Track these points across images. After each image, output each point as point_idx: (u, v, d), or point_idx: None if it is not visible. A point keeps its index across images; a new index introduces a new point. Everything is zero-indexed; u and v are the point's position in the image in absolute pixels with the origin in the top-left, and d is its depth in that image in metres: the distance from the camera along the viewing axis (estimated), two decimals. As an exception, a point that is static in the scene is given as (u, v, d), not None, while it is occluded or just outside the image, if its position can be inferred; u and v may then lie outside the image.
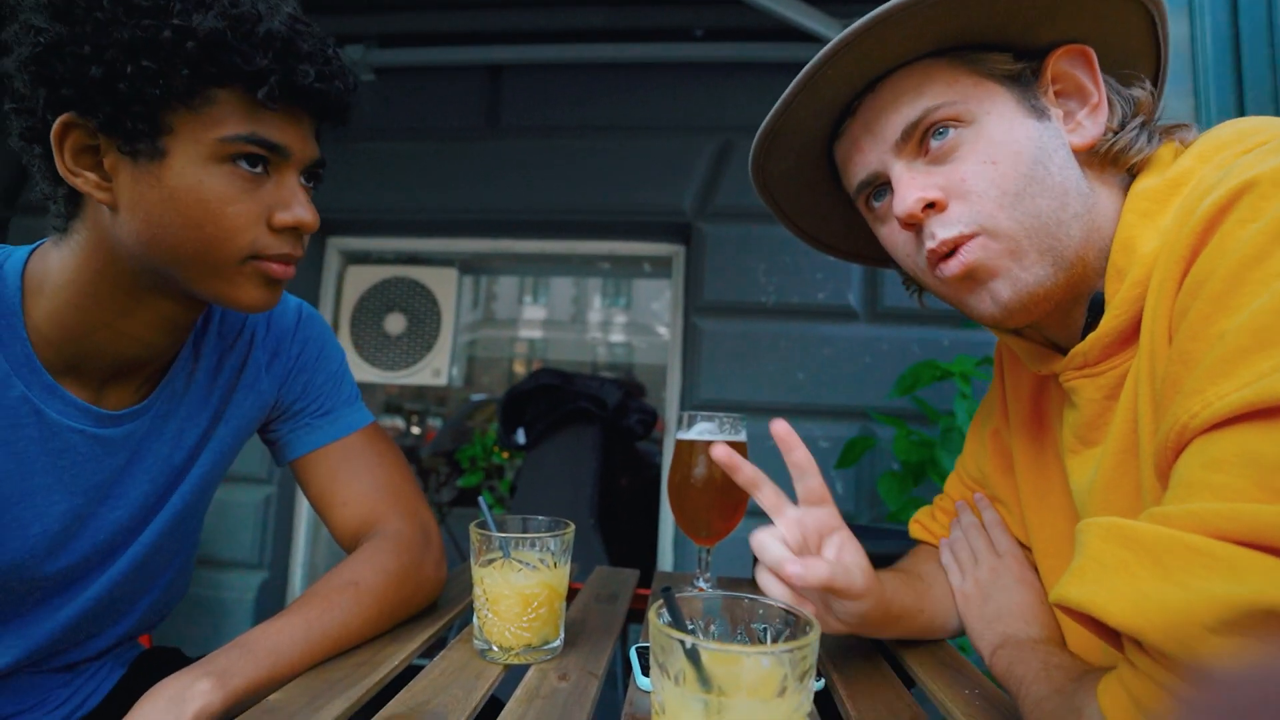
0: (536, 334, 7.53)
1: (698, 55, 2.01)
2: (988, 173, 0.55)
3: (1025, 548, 0.75)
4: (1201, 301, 0.43)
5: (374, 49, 2.11)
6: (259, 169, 0.58)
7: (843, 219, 0.74)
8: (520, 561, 0.65)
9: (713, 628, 0.50)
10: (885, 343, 1.90)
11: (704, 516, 0.87)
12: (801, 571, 0.56)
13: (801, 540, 0.62)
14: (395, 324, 2.13)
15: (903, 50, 0.57)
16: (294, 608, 0.62)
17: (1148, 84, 0.59)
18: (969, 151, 0.56)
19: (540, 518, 0.72)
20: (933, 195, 0.56)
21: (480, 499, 0.73)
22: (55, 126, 0.55)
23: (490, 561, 0.65)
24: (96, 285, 0.60)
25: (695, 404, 1.92)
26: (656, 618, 0.43)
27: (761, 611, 0.48)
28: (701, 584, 0.90)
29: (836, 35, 0.57)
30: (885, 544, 0.97)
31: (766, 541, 0.61)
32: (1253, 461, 0.38)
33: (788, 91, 0.59)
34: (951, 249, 0.56)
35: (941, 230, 0.56)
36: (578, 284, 6.58)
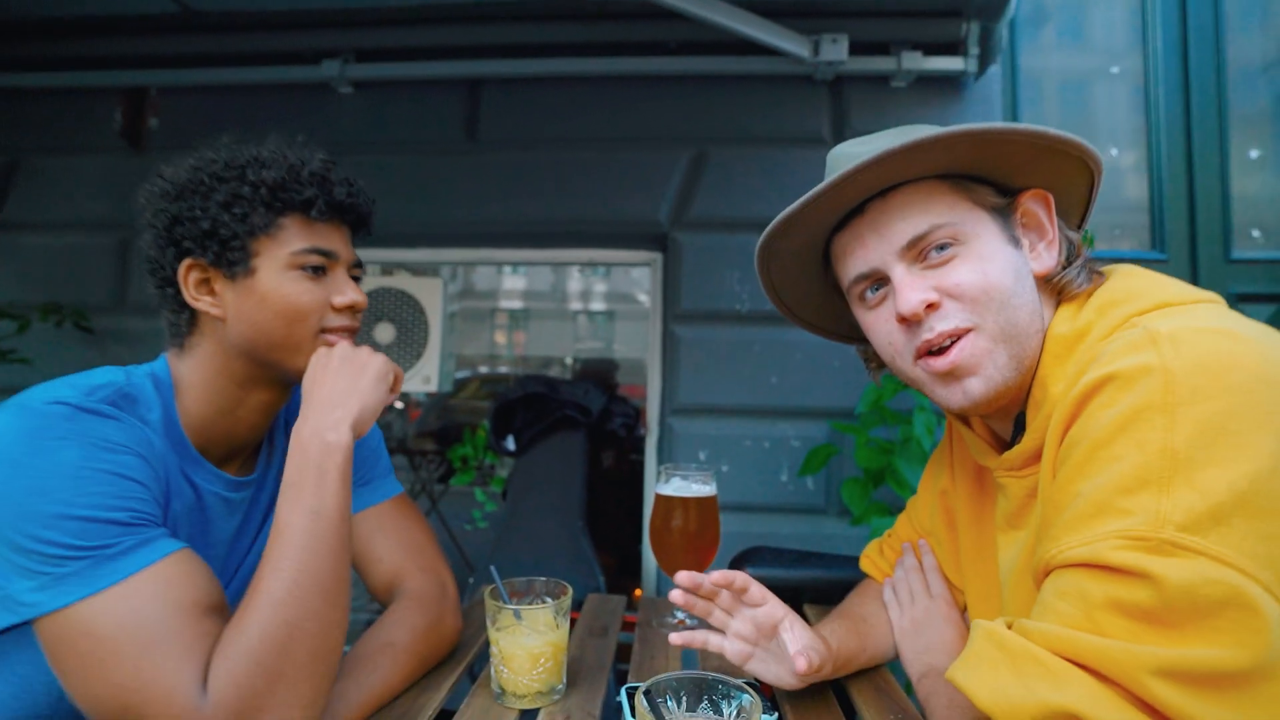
0: (516, 304, 7.59)
1: (672, 69, 2.08)
2: (980, 281, 0.67)
3: (959, 590, 0.91)
4: (1069, 465, 0.58)
5: (352, 64, 2.14)
6: (319, 271, 0.81)
7: (820, 299, 0.86)
8: (529, 627, 0.79)
9: (684, 698, 0.64)
10: (853, 347, 2.04)
11: (680, 560, 1.01)
12: (805, 669, 0.75)
13: (755, 633, 0.79)
14: (384, 333, 2.23)
15: (917, 170, 0.69)
16: (344, 672, 0.76)
17: (1076, 233, 0.74)
18: (963, 263, 0.68)
19: (541, 579, 0.87)
20: (932, 298, 0.67)
21: (492, 568, 0.87)
22: (181, 270, 0.78)
23: (502, 628, 0.79)
24: (219, 382, 0.81)
25: (675, 407, 2.07)
26: (643, 707, 0.57)
27: (720, 686, 0.63)
28: (680, 614, 1.06)
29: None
30: (841, 570, 1.14)
31: (733, 648, 0.79)
32: (1083, 598, 0.53)
33: (822, 186, 0.68)
34: (947, 342, 0.68)
35: (940, 324, 0.68)
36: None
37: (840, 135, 2.10)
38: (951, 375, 0.69)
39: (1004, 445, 0.77)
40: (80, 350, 2.21)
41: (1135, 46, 2.44)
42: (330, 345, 0.82)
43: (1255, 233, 2.34)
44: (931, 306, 0.68)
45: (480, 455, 2.58)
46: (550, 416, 2.11)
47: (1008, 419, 0.76)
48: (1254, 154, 2.38)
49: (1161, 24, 2.40)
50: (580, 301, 6.92)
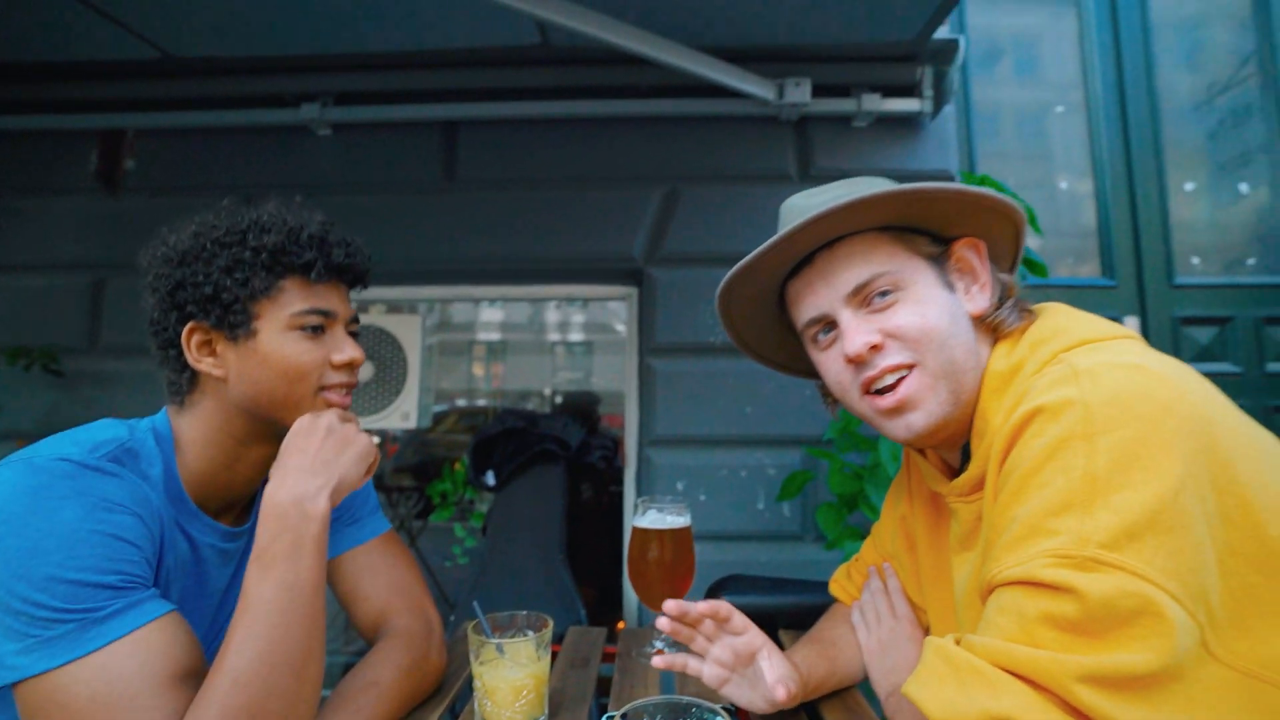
0: (495, 336, 7.60)
1: (643, 110, 2.16)
2: (920, 323, 0.74)
3: (922, 609, 0.95)
4: (1006, 492, 0.64)
5: (330, 106, 2.19)
6: (318, 330, 0.83)
7: (778, 337, 0.93)
8: (511, 660, 0.82)
9: (660, 719, 0.68)
10: (823, 376, 2.11)
11: (657, 590, 1.05)
12: (784, 699, 0.81)
13: (734, 659, 0.82)
14: (363, 371, 2.25)
15: (859, 224, 0.76)
16: (325, 712, 0.78)
17: (1009, 275, 0.80)
18: (903, 308, 0.75)
19: (523, 613, 0.89)
20: (875, 340, 0.74)
21: (475, 603, 0.89)
22: (184, 333, 0.81)
23: (485, 662, 0.82)
24: (219, 438, 0.83)
25: (652, 439, 2.11)
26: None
27: (695, 710, 0.66)
28: (659, 644, 1.09)
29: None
30: (815, 595, 1.17)
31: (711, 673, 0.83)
32: (1019, 613, 0.57)
33: (773, 240, 0.75)
34: (890, 379, 0.74)
35: (883, 361, 0.74)
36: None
37: (805, 172, 2.19)
38: (895, 411, 0.75)
39: (954, 473, 0.83)
40: (48, 394, 2.19)
41: (1078, 84, 2.59)
42: (331, 404, 0.84)
43: (1195, 259, 2.48)
44: (875, 348, 0.74)
45: (460, 490, 2.59)
46: (529, 451, 2.13)
47: (955, 449, 0.81)
48: (1189, 186, 2.53)
49: (1100, 64, 2.55)
50: (558, 333, 6.94)
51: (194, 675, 0.68)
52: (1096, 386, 0.60)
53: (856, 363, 0.76)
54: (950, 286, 0.78)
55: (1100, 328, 0.71)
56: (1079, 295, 2.45)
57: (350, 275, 0.88)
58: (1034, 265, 1.89)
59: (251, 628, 0.66)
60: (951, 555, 0.84)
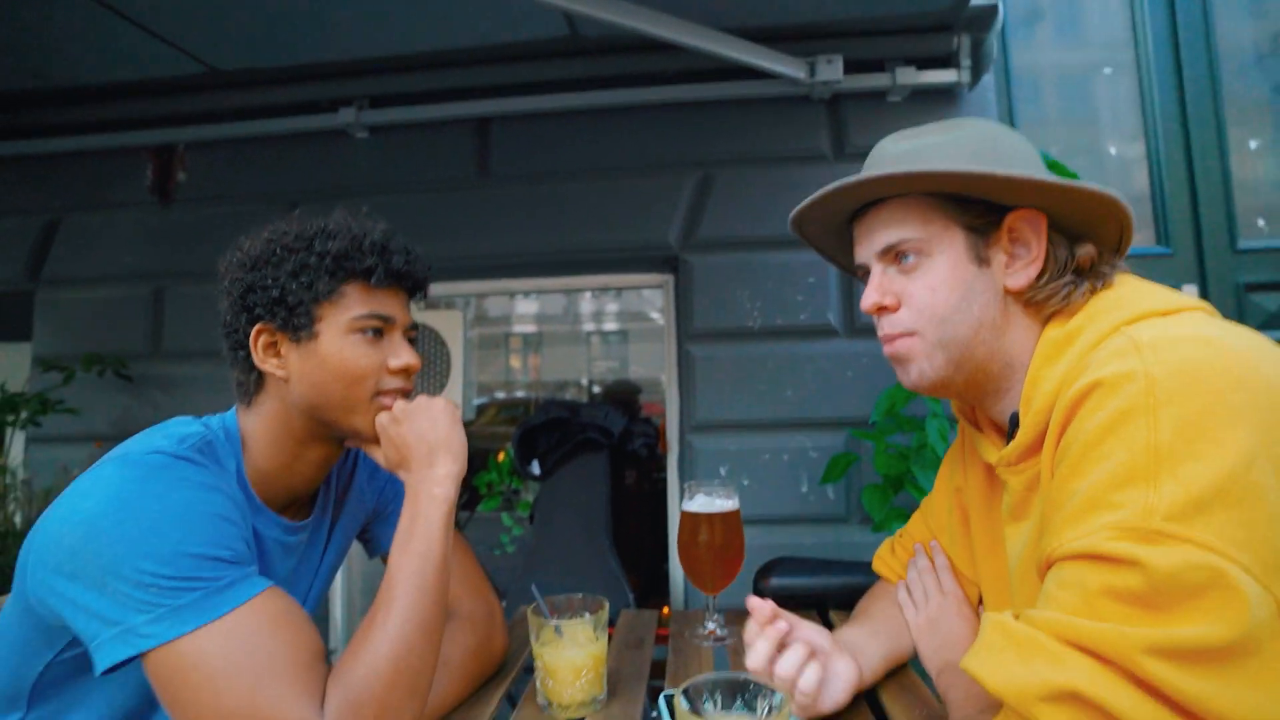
0: (530, 328, 7.69)
1: (673, 97, 2.16)
2: (928, 297, 0.78)
3: (973, 584, 0.96)
4: (1065, 465, 0.64)
5: (366, 109, 2.25)
6: (377, 334, 0.87)
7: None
8: (570, 641, 0.86)
9: (719, 696, 0.70)
10: (865, 356, 2.10)
11: (708, 573, 1.07)
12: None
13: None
14: (409, 367, 2.32)
15: (904, 188, 0.79)
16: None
17: (1090, 247, 0.77)
18: (921, 275, 0.79)
19: (579, 595, 0.93)
20: (886, 301, 0.81)
21: (533, 586, 0.93)
22: (252, 334, 0.85)
23: (545, 643, 0.86)
24: (281, 438, 0.88)
25: (694, 424, 2.13)
26: (683, 707, 0.64)
27: (753, 686, 0.69)
28: (711, 625, 1.12)
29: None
30: (863, 576, 1.19)
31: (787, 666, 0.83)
32: (1081, 586, 0.58)
33: (819, 193, 0.82)
34: (890, 338, 0.82)
35: (888, 325, 0.82)
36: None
37: (840, 150, 2.17)
38: (895, 359, 0.83)
39: (1003, 441, 0.83)
40: (121, 397, 2.32)
41: (1127, 42, 2.49)
42: (387, 408, 0.87)
43: (1260, 222, 2.37)
44: (885, 308, 0.81)
45: (505, 480, 2.65)
46: (573, 440, 2.18)
47: (996, 413, 0.83)
48: (1253, 144, 2.41)
49: (1150, 18, 2.45)
50: (593, 323, 6.99)
51: (313, 636, 0.74)
52: (1160, 359, 0.59)
53: (873, 313, 0.83)
54: (983, 260, 0.78)
55: (1167, 298, 0.70)
56: (1131, 265, 2.37)
57: (409, 282, 0.91)
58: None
59: (395, 591, 0.75)
60: (1004, 526, 0.84)
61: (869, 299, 0.81)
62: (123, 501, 0.69)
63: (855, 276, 0.98)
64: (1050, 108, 2.58)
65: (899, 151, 0.80)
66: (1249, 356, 0.59)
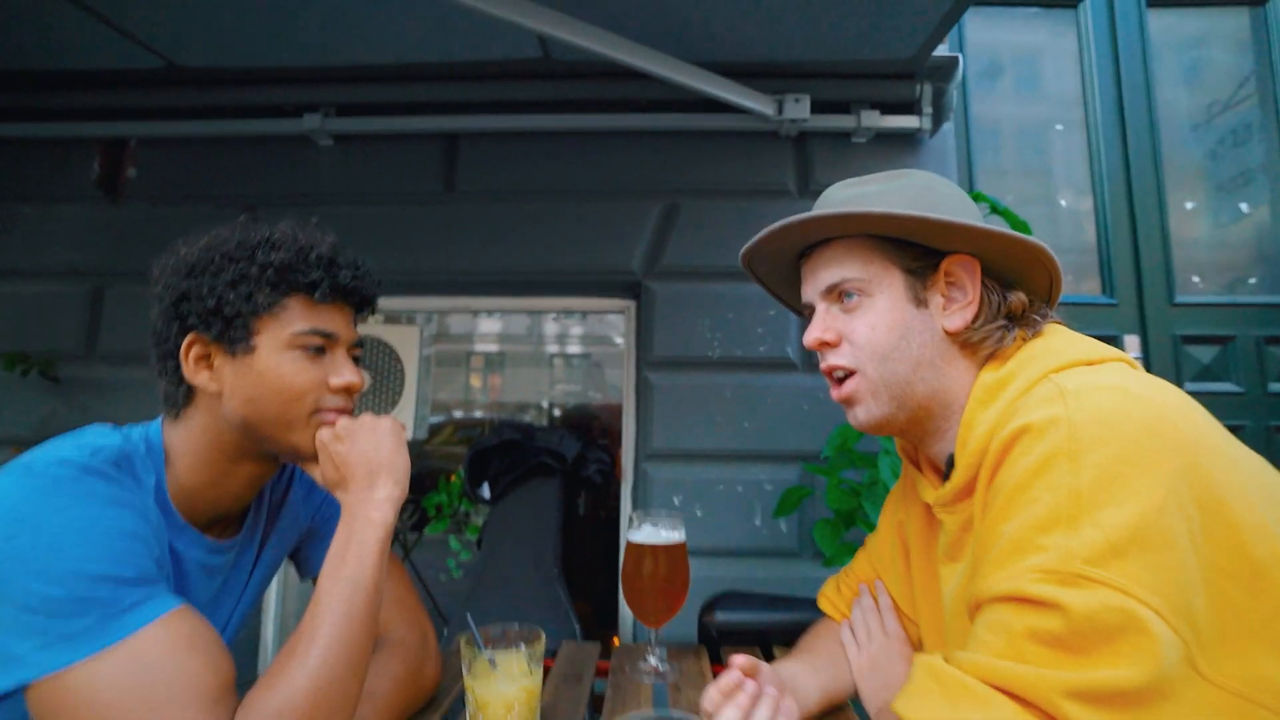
0: (492, 347, 7.61)
1: (643, 125, 2.19)
2: (868, 334, 0.81)
3: (914, 623, 0.96)
4: (994, 509, 0.65)
5: (332, 117, 2.22)
6: (318, 351, 0.84)
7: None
8: (503, 674, 0.82)
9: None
10: (820, 390, 2.12)
11: (651, 606, 1.05)
12: None
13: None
14: (360, 381, 2.26)
15: (846, 229, 0.82)
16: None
17: (1021, 294, 0.81)
18: (862, 314, 0.82)
19: (515, 626, 0.90)
20: (828, 337, 0.84)
21: (467, 615, 0.90)
22: (183, 345, 0.81)
23: (477, 675, 0.82)
24: (210, 454, 0.84)
25: (649, 453, 2.11)
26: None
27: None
28: (653, 660, 1.09)
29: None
30: (810, 613, 1.18)
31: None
32: (1007, 629, 0.59)
33: (767, 231, 0.86)
34: (840, 377, 0.84)
35: (832, 359, 0.85)
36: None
37: (805, 187, 2.22)
38: (845, 402, 0.85)
39: (941, 482, 0.84)
40: (45, 400, 2.20)
41: (1078, 101, 2.62)
42: (329, 424, 0.84)
43: (1195, 278, 2.49)
44: (827, 344, 0.84)
45: (455, 503, 2.59)
46: (525, 463, 2.14)
47: (932, 443, 0.84)
48: (1189, 205, 2.55)
49: (1099, 80, 2.58)
50: (556, 344, 6.95)
51: (223, 662, 0.69)
52: (1081, 406, 0.62)
53: (819, 349, 0.86)
54: (921, 301, 0.81)
55: (1092, 350, 0.73)
56: (1080, 313, 2.46)
57: (356, 298, 0.89)
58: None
59: (321, 618, 0.72)
60: (939, 566, 0.85)
61: (812, 335, 0.85)
62: (18, 516, 0.65)
63: (802, 316, 1.00)
64: (1007, 158, 2.69)
65: (844, 197, 0.84)
66: (1161, 405, 0.62)
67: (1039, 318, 0.80)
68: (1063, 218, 2.62)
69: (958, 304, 0.80)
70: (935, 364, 0.80)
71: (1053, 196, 2.64)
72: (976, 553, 0.69)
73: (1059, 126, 2.65)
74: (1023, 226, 1.88)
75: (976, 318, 0.79)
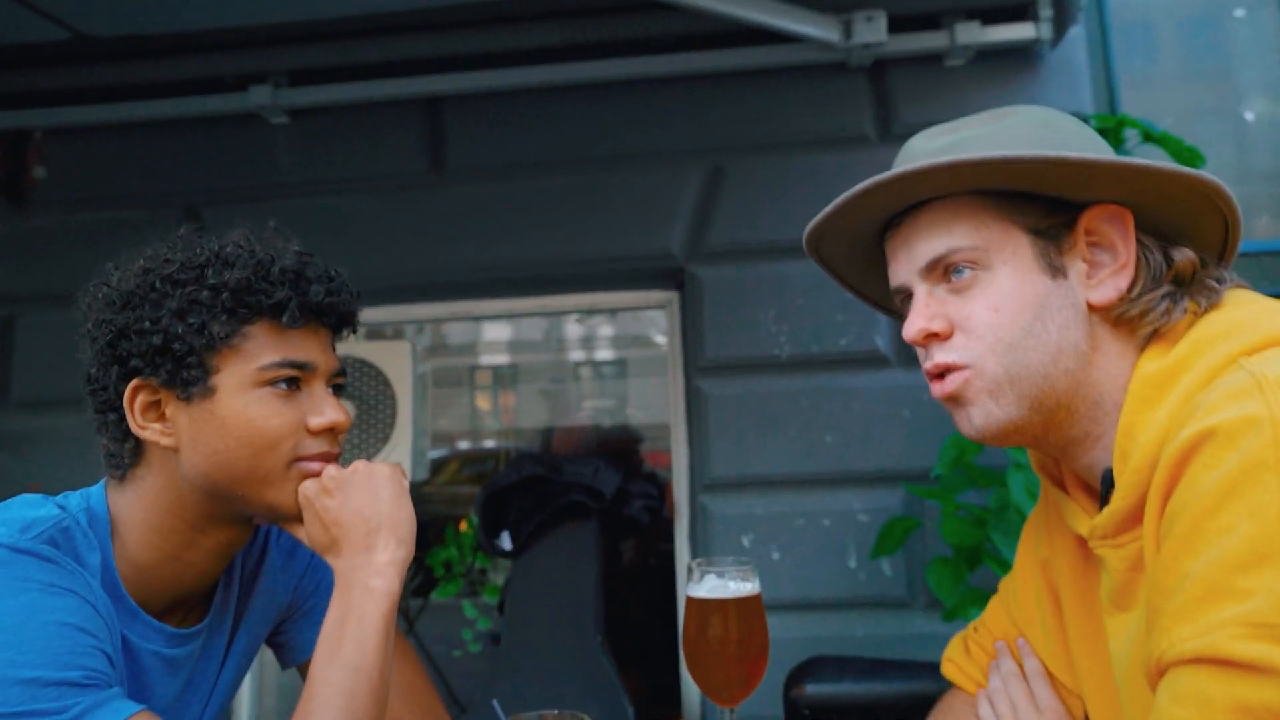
0: (502, 360, 7.72)
1: (672, 68, 2.20)
2: (990, 319, 0.78)
3: (1074, 694, 0.95)
4: (1172, 539, 0.64)
5: (285, 88, 2.28)
6: (292, 386, 0.85)
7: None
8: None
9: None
10: (925, 391, 2.08)
11: (722, 678, 1.06)
12: None
13: None
14: (341, 414, 2.32)
15: (950, 187, 0.80)
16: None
17: (1189, 251, 0.78)
18: (980, 293, 0.79)
19: (554, 711, 0.91)
20: (936, 327, 0.80)
21: (494, 703, 0.92)
22: (126, 393, 0.82)
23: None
24: (165, 523, 0.85)
25: (707, 482, 2.12)
26: None
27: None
28: (730, 749, 1.10)
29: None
30: (927, 681, 1.17)
31: None
32: (1203, 701, 0.58)
33: (839, 200, 0.82)
34: (941, 373, 0.81)
35: (939, 355, 0.80)
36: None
37: (886, 131, 2.20)
38: (952, 401, 0.82)
39: (1097, 507, 0.82)
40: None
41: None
42: (314, 474, 0.85)
43: None
44: (935, 335, 0.80)
45: (468, 558, 2.63)
46: (553, 504, 2.17)
47: (1080, 460, 0.82)
48: None
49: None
50: (582, 350, 7.01)
51: None
52: None
53: (921, 345, 0.83)
54: (1057, 270, 0.79)
55: None
56: (1276, 264, 2.36)
57: (333, 317, 0.89)
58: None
59: (318, 715, 0.74)
60: (1105, 617, 0.83)
61: (914, 326, 0.81)
62: None
63: (892, 314, 0.99)
64: (1163, 64, 2.55)
65: (934, 148, 0.82)
66: None
67: (1215, 282, 0.77)
68: (1250, 136, 2.49)
69: (1106, 269, 0.78)
70: (1080, 350, 0.77)
71: (1233, 108, 2.51)
72: (1152, 599, 0.67)
73: (1239, 11, 2.51)
74: (1192, 156, 1.82)
75: (1133, 285, 0.77)
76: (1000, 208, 0.79)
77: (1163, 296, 0.76)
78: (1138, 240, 0.78)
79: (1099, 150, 0.80)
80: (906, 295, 0.85)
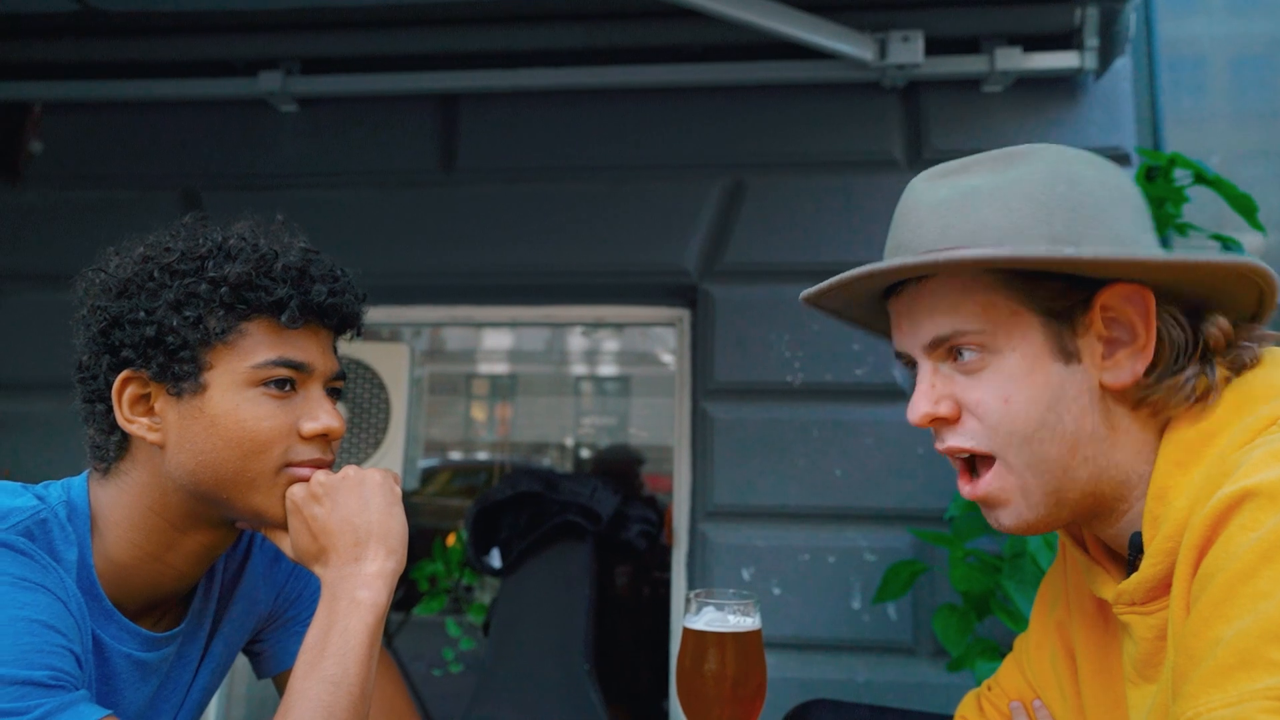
0: (501, 369, 7.73)
1: (697, 78, 2.22)
2: (1001, 410, 0.76)
3: None
4: (1204, 603, 0.64)
5: (296, 75, 2.31)
6: (286, 388, 0.85)
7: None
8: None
9: None
10: (943, 428, 2.10)
11: (715, 715, 1.06)
12: None
13: None
14: (332, 416, 2.33)
15: (955, 268, 0.78)
16: None
17: (1221, 319, 0.76)
18: (989, 378, 0.77)
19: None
20: (942, 411, 0.79)
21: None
22: (116, 384, 0.83)
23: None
24: (147, 521, 0.85)
25: (709, 510, 2.12)
26: None
27: None
28: (717, 789, 1.10)
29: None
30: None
31: None
32: None
33: (832, 281, 0.82)
34: (967, 459, 0.80)
35: (952, 439, 0.79)
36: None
37: (916, 155, 2.22)
38: (983, 503, 0.81)
39: (1123, 570, 0.82)
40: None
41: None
42: (303, 480, 0.86)
43: None
44: (942, 420, 0.80)
45: (454, 574, 2.63)
46: (547, 523, 2.17)
47: (1107, 533, 0.82)
48: None
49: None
50: (585, 365, 7.03)
51: None
52: None
53: (925, 426, 0.81)
54: (1070, 355, 0.77)
55: None
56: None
57: (335, 318, 0.90)
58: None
59: None
60: (1127, 687, 0.83)
61: (918, 410, 0.80)
62: None
63: (900, 361, 0.99)
64: (1213, 98, 2.52)
65: (937, 200, 0.81)
66: None
67: (1250, 345, 0.76)
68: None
69: (1123, 350, 0.76)
70: (1099, 435, 0.77)
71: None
72: (1179, 663, 0.67)
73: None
74: (1243, 201, 1.81)
75: (1153, 367, 0.75)
76: (1010, 287, 0.77)
77: (1188, 378, 0.74)
78: (1160, 314, 0.75)
79: (1126, 210, 0.79)
80: (910, 360, 0.84)
